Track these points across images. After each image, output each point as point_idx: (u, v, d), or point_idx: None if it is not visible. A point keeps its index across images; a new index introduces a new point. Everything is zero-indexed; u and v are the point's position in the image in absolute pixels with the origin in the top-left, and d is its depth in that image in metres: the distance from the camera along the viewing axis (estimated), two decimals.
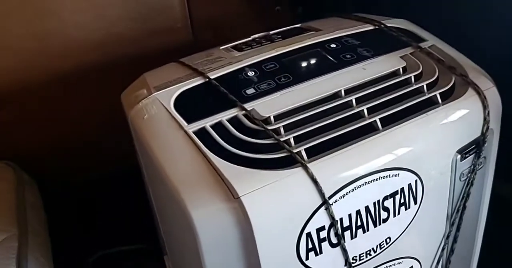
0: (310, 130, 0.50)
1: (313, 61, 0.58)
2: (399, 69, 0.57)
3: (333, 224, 0.49)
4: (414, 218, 0.55)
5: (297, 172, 0.47)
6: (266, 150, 0.49)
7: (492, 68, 0.59)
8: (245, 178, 0.46)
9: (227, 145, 0.48)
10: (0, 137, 0.85)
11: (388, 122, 0.52)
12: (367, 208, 0.51)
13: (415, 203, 0.54)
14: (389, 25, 0.65)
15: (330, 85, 0.55)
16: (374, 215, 0.52)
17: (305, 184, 0.47)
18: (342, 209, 0.49)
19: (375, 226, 0.53)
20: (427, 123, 0.53)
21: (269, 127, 0.50)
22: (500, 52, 0.67)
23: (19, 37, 0.79)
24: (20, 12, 0.77)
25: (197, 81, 0.56)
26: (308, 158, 0.48)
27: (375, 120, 0.52)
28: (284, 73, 0.56)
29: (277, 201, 0.46)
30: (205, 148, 0.48)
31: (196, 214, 0.45)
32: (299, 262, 0.50)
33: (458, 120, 0.54)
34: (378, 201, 0.51)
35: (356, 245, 0.52)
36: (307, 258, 0.50)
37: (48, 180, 0.87)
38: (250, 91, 0.54)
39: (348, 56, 0.59)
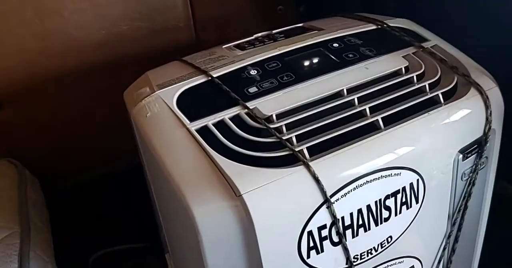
0: (312, 129, 0.51)
1: (315, 60, 0.58)
2: (401, 68, 0.57)
3: (334, 222, 0.49)
4: (416, 218, 0.55)
5: (299, 171, 0.47)
6: (268, 148, 0.49)
7: (495, 68, 0.59)
8: (247, 176, 0.46)
9: (230, 143, 0.49)
10: (0, 137, 0.85)
11: (390, 121, 0.52)
12: (368, 207, 0.51)
13: (417, 202, 0.54)
14: (391, 24, 0.65)
15: (333, 84, 0.55)
16: (376, 214, 0.52)
17: (307, 183, 0.47)
18: (344, 207, 0.49)
19: (376, 225, 0.53)
20: (429, 122, 0.53)
21: (272, 126, 0.50)
22: (502, 52, 0.67)
23: (19, 37, 0.79)
24: (20, 12, 0.77)
25: (200, 80, 0.56)
26: (310, 156, 0.48)
27: (377, 119, 0.52)
28: (286, 72, 0.56)
29: (279, 199, 0.46)
30: (208, 146, 0.48)
31: (198, 211, 0.45)
32: (300, 260, 0.50)
33: (460, 119, 0.54)
34: (380, 200, 0.52)
35: (357, 244, 0.53)
36: (308, 256, 0.50)
37: (49, 180, 0.87)
38: (253, 89, 0.54)
39: (350, 55, 0.59)
